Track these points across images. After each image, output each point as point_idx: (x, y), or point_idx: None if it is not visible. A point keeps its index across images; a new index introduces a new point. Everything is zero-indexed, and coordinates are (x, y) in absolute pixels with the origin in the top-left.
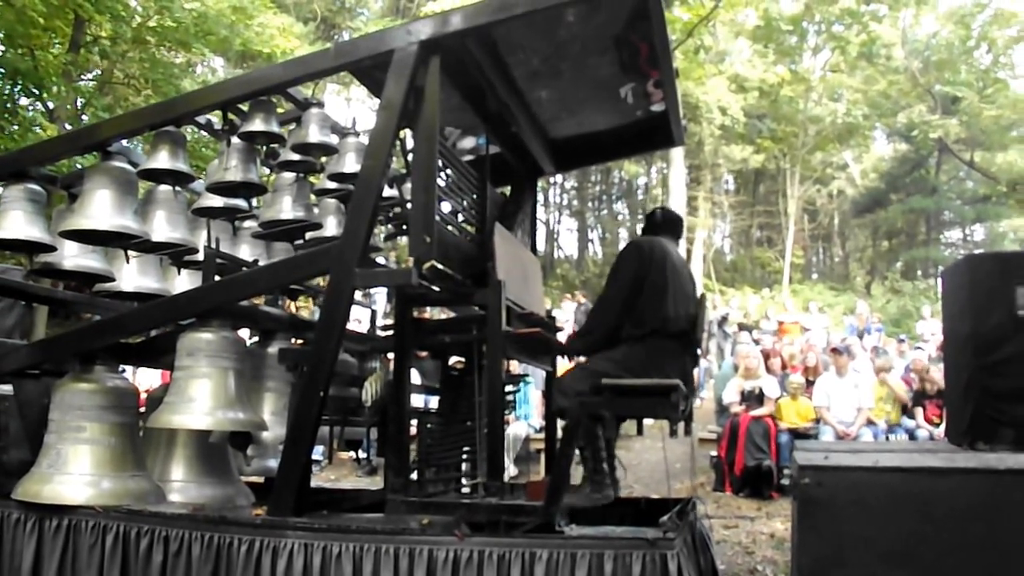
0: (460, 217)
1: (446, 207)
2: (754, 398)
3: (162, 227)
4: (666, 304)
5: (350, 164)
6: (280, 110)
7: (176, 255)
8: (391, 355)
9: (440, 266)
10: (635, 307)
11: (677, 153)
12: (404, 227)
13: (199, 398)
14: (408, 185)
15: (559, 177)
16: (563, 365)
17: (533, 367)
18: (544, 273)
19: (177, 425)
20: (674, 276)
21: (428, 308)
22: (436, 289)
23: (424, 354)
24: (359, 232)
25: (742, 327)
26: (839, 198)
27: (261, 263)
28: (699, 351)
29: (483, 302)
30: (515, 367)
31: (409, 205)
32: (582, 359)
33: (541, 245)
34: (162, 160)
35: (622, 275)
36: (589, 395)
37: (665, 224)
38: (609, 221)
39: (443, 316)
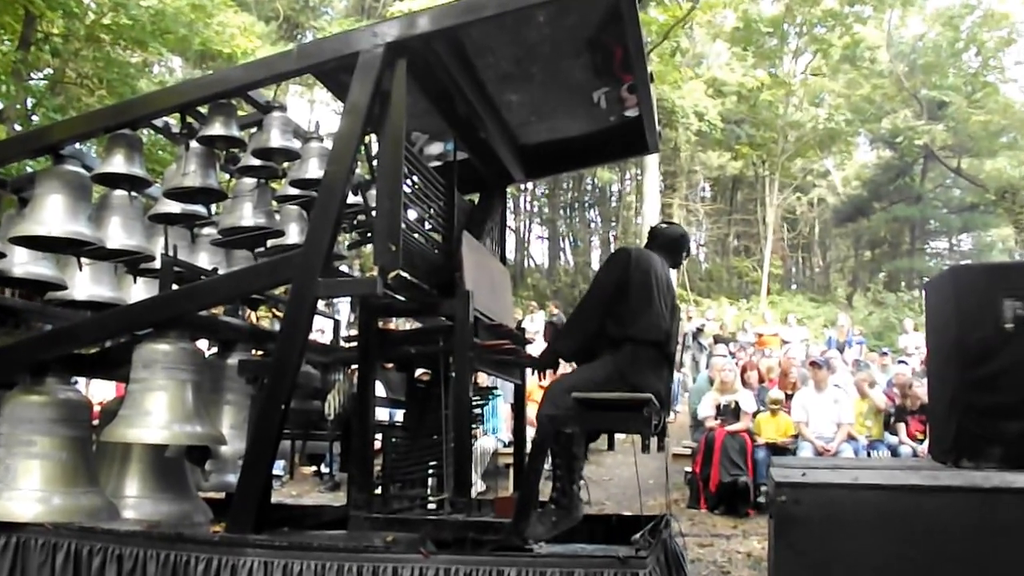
0: (427, 225)
1: (412, 215)
2: (730, 412)
3: (117, 233)
4: (647, 313)
5: (313, 170)
6: (241, 113)
7: (132, 263)
8: (355, 367)
9: (406, 275)
10: (617, 314)
11: (652, 160)
12: (369, 235)
13: (155, 411)
14: (373, 192)
15: (530, 184)
16: (534, 379)
17: (502, 380)
18: (514, 283)
19: (132, 439)
20: (658, 287)
21: (394, 319)
22: (402, 299)
23: (389, 366)
24: (322, 240)
25: (718, 339)
26: (820, 206)
27: (220, 272)
28: (674, 362)
29: (450, 313)
30: (483, 380)
31: (374, 212)
32: (566, 367)
33: (511, 254)
34: (117, 164)
35: (605, 279)
36: (565, 408)
37: (665, 243)
38: (581, 229)
39: (409, 327)
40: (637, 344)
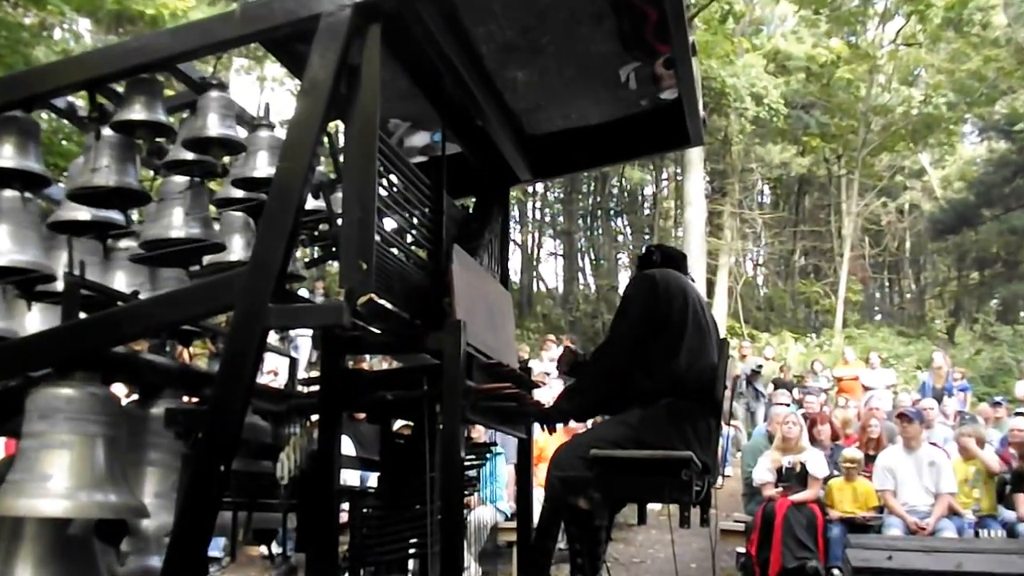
0: (408, 238)
1: (389, 224)
2: (795, 477)
3: (6, 246)
4: (690, 351)
5: (262, 166)
6: (168, 93)
7: (24, 284)
8: (316, 418)
9: (381, 301)
10: (647, 357)
11: (695, 155)
12: (334, 249)
13: (55, 475)
14: (339, 195)
15: (539, 186)
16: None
17: (503, 434)
18: (519, 311)
19: (25, 512)
20: (695, 318)
21: (366, 356)
22: (376, 331)
23: (360, 416)
24: (274, 256)
25: (779, 384)
26: (912, 215)
27: (142, 296)
28: (721, 414)
29: (437, 348)
30: (479, 433)
31: (340, 221)
32: (577, 425)
33: (515, 275)
34: (6, 156)
35: (631, 315)
36: (582, 470)
37: (666, 263)
38: (606, 244)
39: (386, 366)
40: (677, 391)
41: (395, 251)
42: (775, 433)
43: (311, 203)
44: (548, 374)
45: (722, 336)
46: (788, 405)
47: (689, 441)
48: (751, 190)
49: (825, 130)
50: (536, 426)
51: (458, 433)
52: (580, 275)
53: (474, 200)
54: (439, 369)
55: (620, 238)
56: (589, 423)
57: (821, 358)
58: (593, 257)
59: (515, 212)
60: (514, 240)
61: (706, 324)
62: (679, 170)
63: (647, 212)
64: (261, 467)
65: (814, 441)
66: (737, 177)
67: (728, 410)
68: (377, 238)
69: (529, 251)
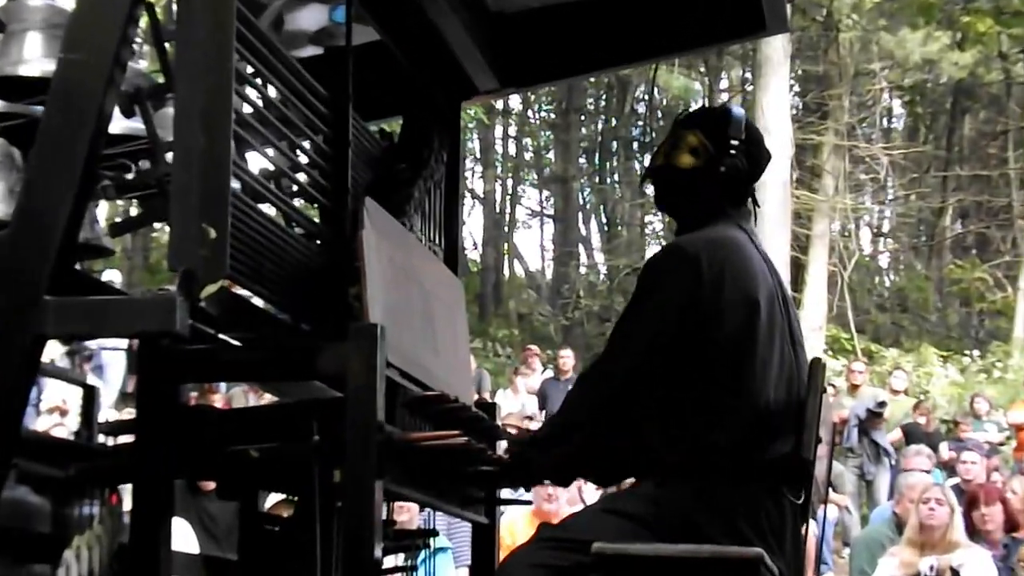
0: (288, 187)
1: (256, 163)
2: None
3: None
4: (748, 378)
5: (32, 57)
6: None
7: None
8: (128, 487)
9: (241, 292)
10: (669, 403)
11: (776, 50)
12: (161, 205)
13: None
14: (170, 111)
15: (515, 103)
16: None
17: (449, 516)
18: (478, 310)
19: None
20: (767, 322)
21: (219, 387)
22: (234, 343)
23: (208, 487)
24: (53, 213)
25: (915, 435)
26: None
27: None
28: (812, 485)
29: (336, 371)
30: (410, 516)
31: (172, 156)
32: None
33: (473, 250)
34: None
35: (646, 318)
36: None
37: (748, 182)
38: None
39: (254, 401)
40: (723, 445)
41: (266, 208)
42: (907, 518)
43: (121, 125)
44: (530, 418)
45: (812, 355)
46: (930, 472)
47: (741, 527)
48: (871, 109)
49: (1002, 5)
50: (503, 495)
51: (371, 515)
52: (581, 249)
53: (402, 124)
54: (339, 407)
55: (650, 188)
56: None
57: (987, 392)
58: (604, 220)
59: (473, 145)
60: (471, 191)
61: (787, 335)
62: (748, 74)
63: None
64: (32, 572)
65: (975, 533)
66: (847, 87)
67: (826, 478)
68: (235, 185)
69: (497, 210)
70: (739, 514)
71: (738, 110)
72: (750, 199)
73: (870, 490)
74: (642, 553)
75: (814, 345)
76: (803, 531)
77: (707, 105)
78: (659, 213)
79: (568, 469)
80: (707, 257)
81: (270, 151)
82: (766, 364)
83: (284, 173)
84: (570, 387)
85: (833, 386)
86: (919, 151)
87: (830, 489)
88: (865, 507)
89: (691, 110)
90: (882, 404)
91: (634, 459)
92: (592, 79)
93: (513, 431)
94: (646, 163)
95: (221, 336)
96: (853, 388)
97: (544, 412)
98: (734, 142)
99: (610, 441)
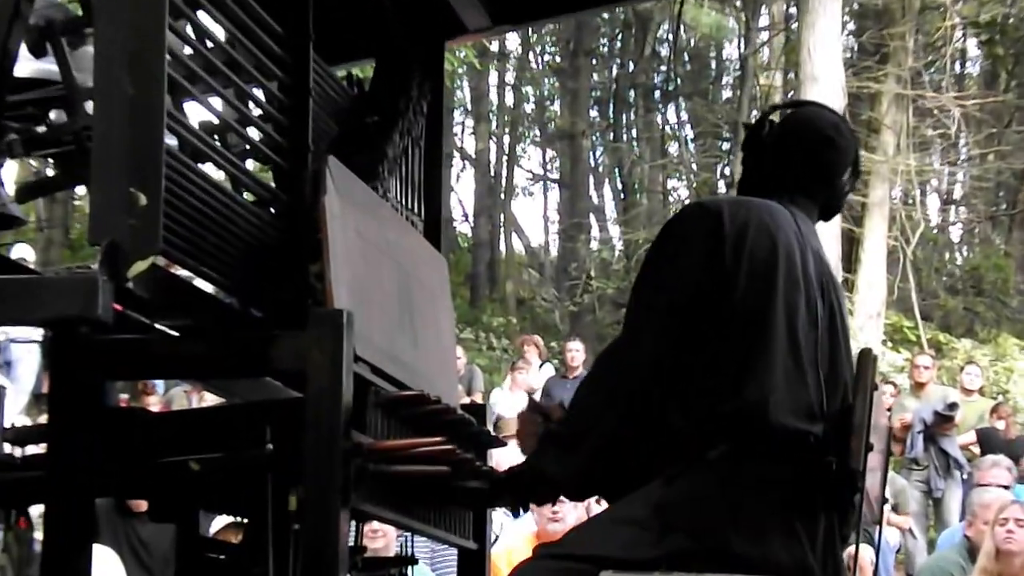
0: (236, 143)
1: (196, 114)
2: None
3: None
4: (777, 368)
5: None
6: None
7: None
8: (40, 510)
9: (178, 271)
10: (689, 373)
11: None
12: (82, 166)
13: None
14: (89, 49)
15: (511, 43)
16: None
17: (432, 541)
18: (469, 291)
19: None
20: (806, 300)
21: (155, 386)
22: (171, 333)
23: (140, 508)
24: None
25: (992, 443)
26: None
27: None
28: (860, 499)
29: (293, 366)
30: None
31: (92, 106)
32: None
33: (461, 221)
34: None
35: (665, 285)
36: None
37: (798, 155)
38: (645, 157)
39: (197, 403)
40: (747, 455)
41: (209, 170)
42: (982, 542)
43: (29, 66)
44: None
45: (862, 344)
46: (1010, 487)
47: (770, 543)
48: (940, 50)
49: None
50: (500, 518)
51: (336, 540)
52: (593, 220)
53: (374, 69)
54: (297, 409)
55: (676, 145)
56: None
57: None
58: (619, 186)
59: (463, 95)
60: (460, 151)
61: (817, 318)
62: (793, 9)
63: (728, 94)
64: None
65: None
66: (912, 24)
67: (880, 494)
68: (170, 142)
69: (492, 173)
70: (777, 519)
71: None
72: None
73: (938, 509)
74: None
75: (870, 335)
76: (841, 554)
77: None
78: (684, 177)
79: (588, 480)
80: (730, 214)
81: (213, 101)
82: (802, 344)
83: (231, 127)
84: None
85: (893, 384)
86: (999, 101)
87: (888, 508)
88: (932, 530)
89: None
90: (953, 406)
91: (656, 453)
92: (604, 15)
93: (509, 439)
94: (669, 116)
95: (155, 324)
96: (918, 387)
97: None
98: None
99: (629, 433)
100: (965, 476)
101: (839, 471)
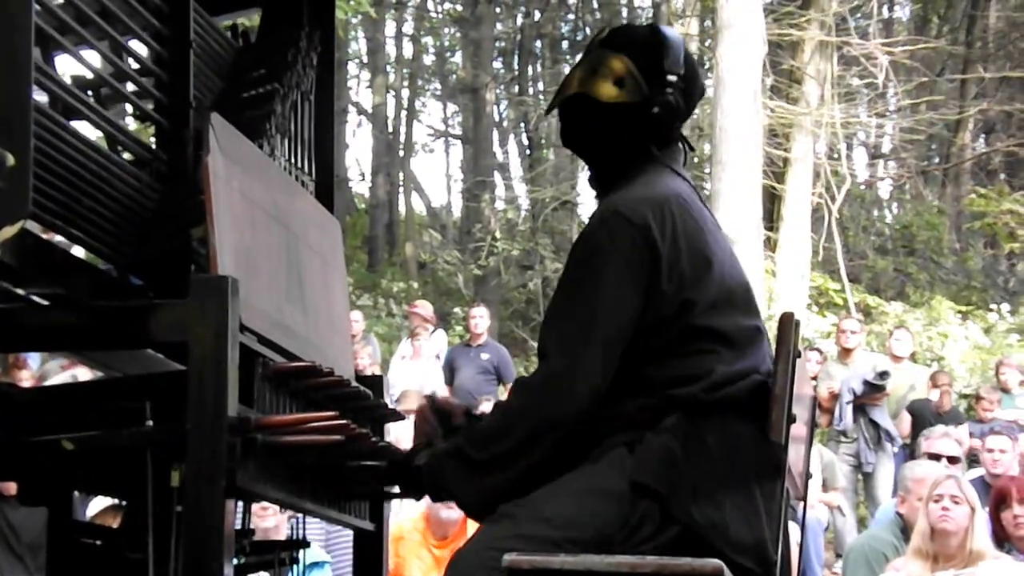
0: (110, 98)
1: (68, 68)
2: None
3: None
4: (712, 338)
5: None
6: None
7: None
8: None
9: (48, 236)
10: (639, 362)
11: None
12: None
13: None
14: None
15: None
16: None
17: (326, 523)
18: (366, 257)
19: None
20: (729, 279)
21: (26, 359)
22: (41, 303)
23: (10, 491)
24: None
25: (923, 415)
26: None
27: None
28: (784, 478)
29: (174, 337)
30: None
31: None
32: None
33: (356, 181)
34: None
35: (604, 317)
36: None
37: (679, 118)
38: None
39: (66, 379)
40: (703, 410)
41: (83, 128)
42: (914, 521)
43: None
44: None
45: (785, 308)
46: (946, 460)
47: (744, 508)
48: None
49: None
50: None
51: (220, 522)
52: (497, 178)
53: (260, 19)
54: (179, 383)
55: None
56: None
57: (1020, 358)
58: (525, 141)
59: (356, 45)
60: (356, 106)
61: (735, 289)
62: None
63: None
64: None
65: (1004, 541)
66: None
67: (804, 469)
68: (40, 98)
69: (390, 129)
70: (731, 486)
71: (674, 33)
72: (680, 140)
73: (868, 484)
74: (566, 567)
75: (794, 298)
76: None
77: (630, 23)
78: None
79: (495, 502)
80: (657, 225)
81: (87, 54)
82: (738, 318)
83: (106, 82)
84: (484, 357)
85: (819, 350)
86: (930, 48)
87: (816, 484)
88: (863, 507)
89: (613, 28)
90: (884, 374)
91: (602, 419)
92: None
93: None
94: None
95: (23, 293)
96: (845, 353)
97: (452, 389)
98: (671, 77)
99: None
100: (896, 449)
101: (774, 442)
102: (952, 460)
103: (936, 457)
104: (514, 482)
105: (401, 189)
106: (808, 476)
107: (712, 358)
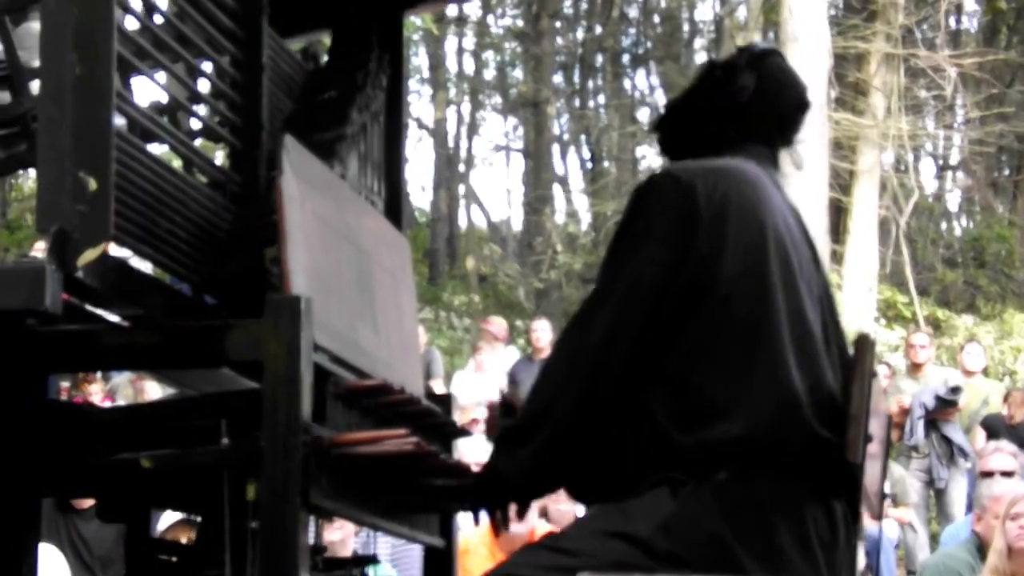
0: (187, 123)
1: (146, 92)
2: None
3: None
4: (762, 365)
5: None
6: None
7: None
8: None
9: (128, 255)
10: (664, 373)
11: None
12: (28, 150)
13: None
14: (33, 27)
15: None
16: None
17: (394, 538)
18: (429, 272)
19: None
20: (794, 276)
21: (99, 376)
22: (120, 323)
23: (84, 505)
24: None
25: (996, 429)
26: None
27: None
28: (859, 495)
29: (249, 356)
30: (344, 535)
31: (40, 84)
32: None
33: (420, 196)
34: None
35: (631, 265)
36: None
37: (762, 114)
38: (612, 126)
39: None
40: (736, 435)
41: (159, 151)
42: (991, 540)
43: None
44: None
45: (852, 322)
46: (999, 475)
47: (794, 553)
48: (933, 5)
49: None
50: (463, 517)
51: (295, 539)
52: (558, 192)
53: (330, 41)
54: (254, 401)
55: (644, 113)
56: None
57: None
58: (587, 155)
59: (417, 60)
60: (417, 121)
61: (807, 296)
62: None
63: (702, 58)
64: None
65: None
66: None
67: (879, 487)
68: (119, 122)
69: (451, 144)
70: (778, 525)
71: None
72: (781, 147)
73: (941, 501)
74: None
75: (862, 312)
76: (852, 551)
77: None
78: (650, 146)
79: (539, 476)
80: (704, 186)
81: (163, 78)
82: (796, 330)
83: (181, 106)
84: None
85: (888, 365)
86: (999, 60)
87: (888, 500)
88: (935, 523)
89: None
90: (956, 389)
91: (630, 458)
92: None
93: (473, 428)
94: (639, 82)
95: (102, 315)
96: (915, 368)
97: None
98: (739, 62)
99: (585, 426)
100: (969, 465)
101: (849, 465)
102: (1006, 474)
103: (989, 474)
104: (550, 451)
105: (461, 203)
106: (884, 496)
107: (765, 362)
